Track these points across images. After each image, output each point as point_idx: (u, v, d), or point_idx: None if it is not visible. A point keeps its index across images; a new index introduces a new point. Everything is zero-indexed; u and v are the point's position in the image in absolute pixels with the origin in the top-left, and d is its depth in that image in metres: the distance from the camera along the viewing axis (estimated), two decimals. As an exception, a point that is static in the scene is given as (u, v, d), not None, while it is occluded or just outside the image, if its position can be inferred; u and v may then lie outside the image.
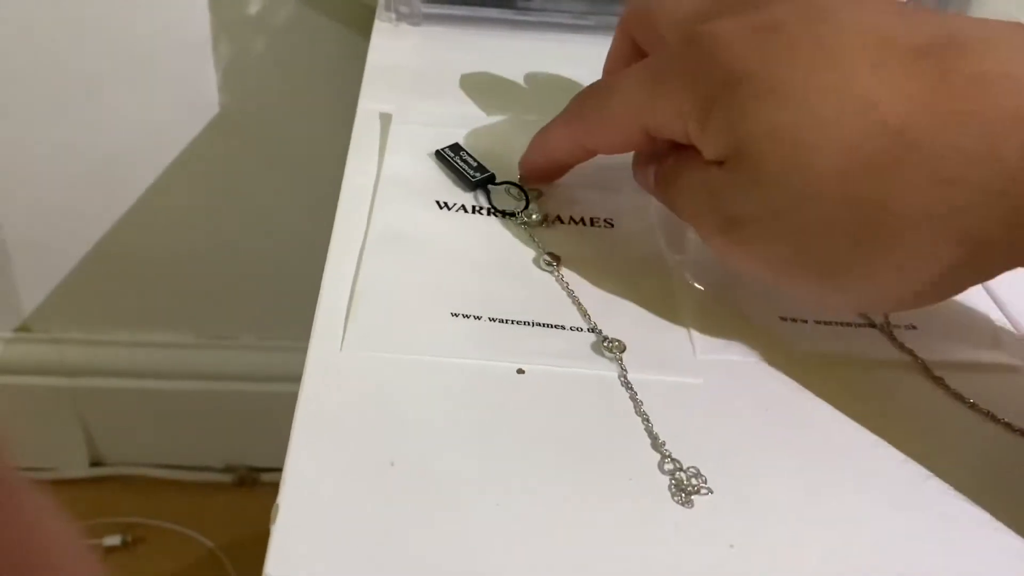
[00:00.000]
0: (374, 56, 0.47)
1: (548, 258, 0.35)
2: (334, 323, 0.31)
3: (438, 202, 0.37)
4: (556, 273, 0.34)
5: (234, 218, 0.83)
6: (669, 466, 0.27)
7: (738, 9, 0.30)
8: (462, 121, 0.42)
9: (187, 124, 0.76)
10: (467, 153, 0.39)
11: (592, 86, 0.36)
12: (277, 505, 0.25)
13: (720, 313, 0.33)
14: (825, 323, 0.34)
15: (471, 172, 0.38)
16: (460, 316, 0.32)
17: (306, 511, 0.25)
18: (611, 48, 0.39)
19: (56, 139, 0.76)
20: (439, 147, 0.39)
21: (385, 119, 0.41)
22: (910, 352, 0.33)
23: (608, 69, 0.39)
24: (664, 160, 0.33)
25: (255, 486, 1.01)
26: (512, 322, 0.32)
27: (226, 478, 1.01)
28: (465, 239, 0.35)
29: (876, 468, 0.29)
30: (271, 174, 0.80)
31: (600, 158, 0.36)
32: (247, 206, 0.82)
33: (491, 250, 0.35)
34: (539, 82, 0.46)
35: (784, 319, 0.33)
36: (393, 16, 0.51)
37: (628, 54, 0.37)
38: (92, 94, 0.74)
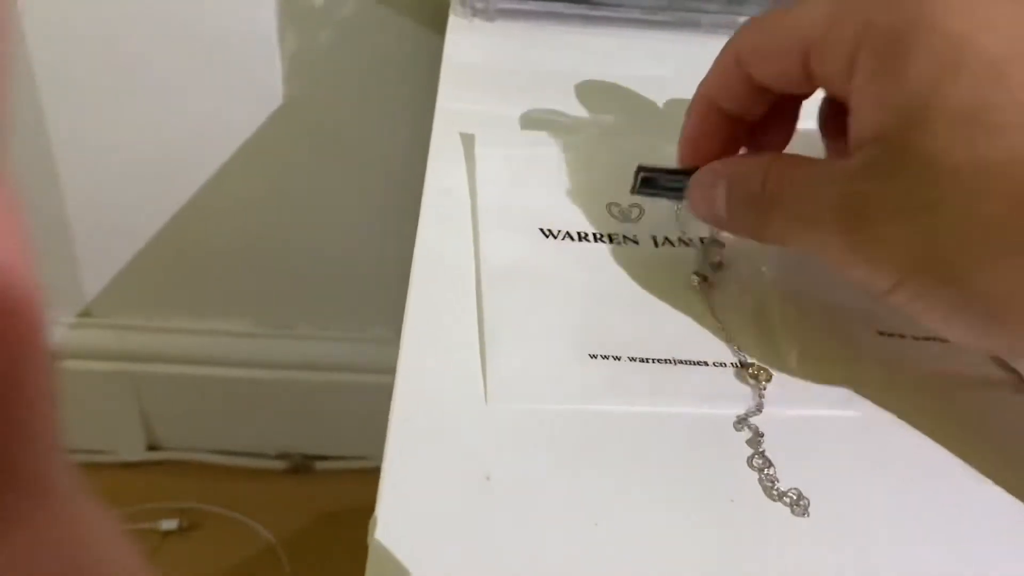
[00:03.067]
0: (450, 53, 0.47)
1: (699, 276, 0.33)
2: (425, 337, 0.30)
3: (542, 230, 0.35)
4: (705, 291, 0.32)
5: (295, 209, 0.83)
6: (770, 488, 0.27)
7: None
8: (546, 128, 0.41)
9: (251, 115, 0.76)
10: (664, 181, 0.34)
11: None
12: (375, 518, 0.25)
13: (817, 326, 0.32)
14: (924, 339, 0.32)
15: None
16: (599, 357, 0.30)
17: (403, 525, 0.25)
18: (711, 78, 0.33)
19: (121, 128, 0.77)
20: (641, 165, 0.34)
21: (467, 140, 0.39)
22: (1013, 371, 0.32)
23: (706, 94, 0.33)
24: (736, 175, 0.30)
25: (308, 474, 1.01)
26: (653, 361, 0.30)
27: (280, 465, 1.01)
28: (581, 269, 0.34)
29: (981, 496, 0.28)
30: (333, 167, 0.80)
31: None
32: (308, 198, 0.82)
33: (612, 279, 0.34)
34: (620, 81, 0.46)
35: (882, 333, 0.32)
36: (468, 11, 0.50)
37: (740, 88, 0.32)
38: (158, 84, 0.74)
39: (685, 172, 0.33)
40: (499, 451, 0.27)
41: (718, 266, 0.35)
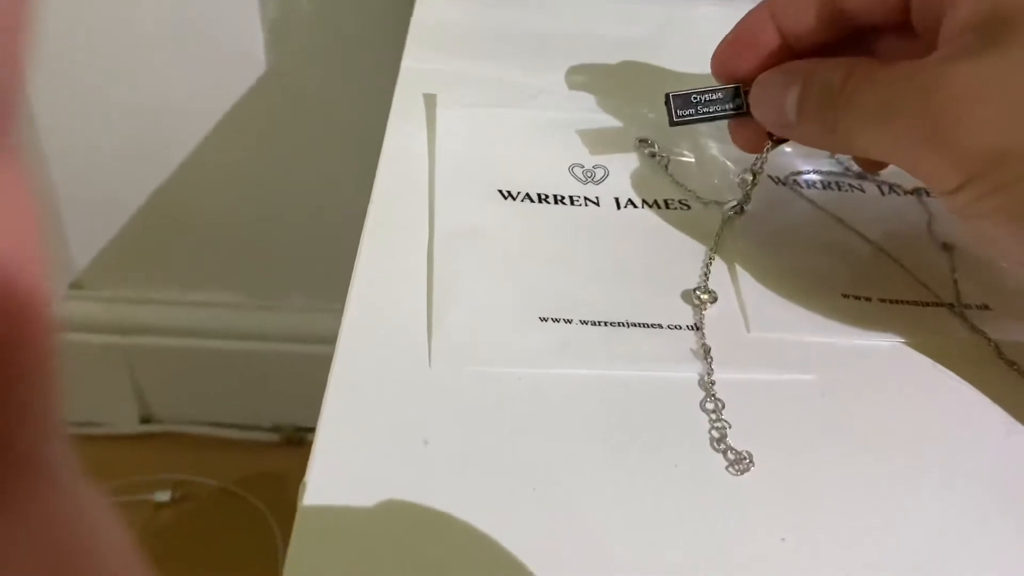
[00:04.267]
0: (420, 11, 0.46)
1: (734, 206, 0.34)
2: (371, 296, 0.30)
3: (500, 191, 0.34)
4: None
5: (284, 179, 0.83)
6: (721, 452, 0.26)
7: None
8: (511, 90, 0.40)
9: (235, 83, 0.75)
10: (697, 97, 0.32)
11: None
12: (304, 484, 0.24)
13: (779, 288, 0.31)
14: (891, 301, 0.31)
15: (729, 106, 0.32)
16: (550, 320, 0.29)
17: (333, 491, 0.24)
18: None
19: (106, 99, 0.76)
20: (673, 111, 0.32)
21: (429, 100, 0.38)
22: (982, 334, 0.31)
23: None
24: (816, 73, 0.28)
25: (301, 446, 1.01)
26: (605, 324, 0.29)
27: (273, 437, 1.01)
28: (539, 230, 0.33)
29: (942, 457, 0.27)
30: (320, 134, 0.79)
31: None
32: (296, 166, 0.82)
33: (570, 241, 0.33)
34: (592, 41, 0.44)
35: (847, 296, 0.31)
36: (441, -29, 0.49)
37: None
38: (142, 52, 0.73)
39: (718, 89, 0.32)
40: (439, 415, 0.26)
41: (744, 202, 0.34)
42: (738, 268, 0.32)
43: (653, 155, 0.36)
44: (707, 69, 0.33)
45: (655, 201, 0.35)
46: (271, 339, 0.95)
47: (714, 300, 0.30)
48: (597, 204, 0.34)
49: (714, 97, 0.32)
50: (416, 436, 0.25)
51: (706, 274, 0.31)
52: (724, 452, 0.26)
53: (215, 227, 0.87)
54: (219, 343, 0.95)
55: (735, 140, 0.33)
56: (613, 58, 0.42)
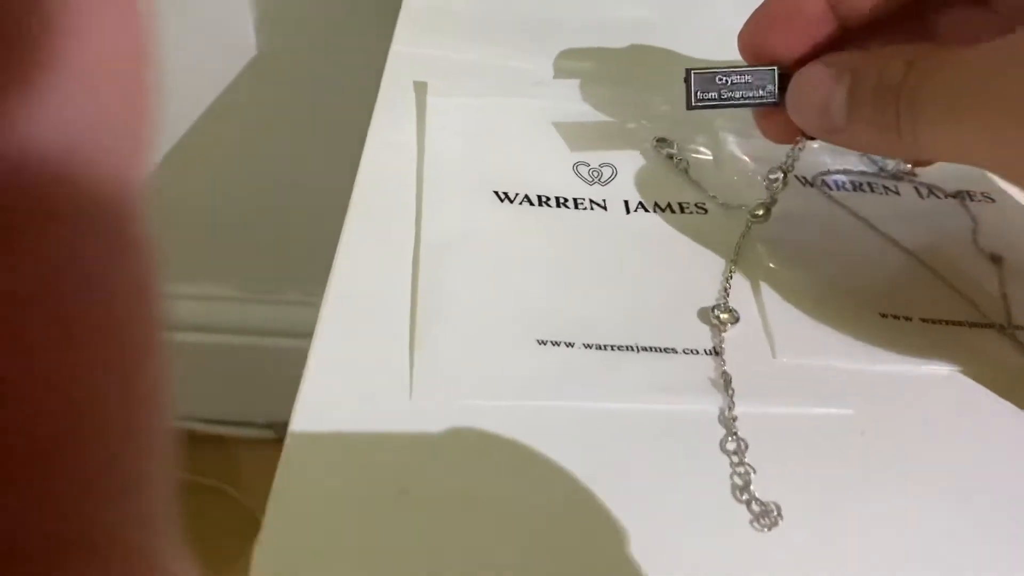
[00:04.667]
0: (413, -6, 0.42)
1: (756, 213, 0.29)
2: (344, 315, 0.26)
3: (496, 193, 0.31)
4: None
5: (278, 169, 0.80)
6: (746, 502, 0.22)
7: None
8: (510, 78, 0.36)
9: (225, 68, 0.72)
10: (723, 78, 0.28)
11: None
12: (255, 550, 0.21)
13: (809, 306, 0.28)
14: (933, 321, 0.28)
15: (760, 92, 0.28)
16: (549, 344, 0.26)
17: (289, 554, 0.20)
18: None
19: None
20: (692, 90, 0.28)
21: (420, 88, 0.35)
22: (1036, 358, 0.27)
23: None
24: (868, 66, 0.24)
25: (297, 444, 0.98)
26: (612, 348, 0.26)
27: (267, 434, 0.99)
28: (538, 238, 0.29)
29: (998, 502, 0.23)
30: (314, 123, 0.76)
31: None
32: (290, 157, 0.79)
33: (574, 250, 0.29)
34: (598, 24, 0.41)
35: (885, 315, 0.28)
36: (436, -52, 0.45)
37: None
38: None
39: (749, 71, 0.28)
40: (420, 457, 0.23)
41: (771, 205, 0.29)
42: (762, 283, 0.28)
43: (671, 156, 0.33)
44: (730, 55, 0.29)
45: (668, 204, 0.31)
46: (264, 333, 0.92)
47: (735, 320, 0.27)
48: (604, 208, 0.31)
49: (743, 80, 0.28)
50: (393, 483, 0.22)
51: (726, 290, 0.28)
52: (748, 503, 0.22)
53: (206, 218, 0.84)
54: (213, 338, 0.92)
55: (765, 131, 0.29)
56: (623, 43, 0.39)
